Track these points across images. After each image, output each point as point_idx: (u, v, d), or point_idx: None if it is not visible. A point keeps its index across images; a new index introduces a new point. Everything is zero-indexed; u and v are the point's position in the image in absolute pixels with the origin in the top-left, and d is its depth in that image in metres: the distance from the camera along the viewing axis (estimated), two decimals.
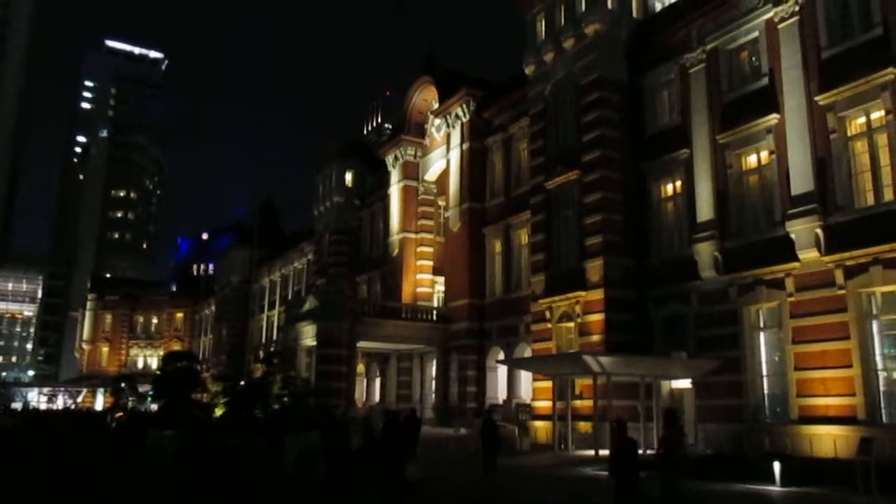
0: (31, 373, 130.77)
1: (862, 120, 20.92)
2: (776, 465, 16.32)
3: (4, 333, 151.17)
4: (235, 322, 73.69)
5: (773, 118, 22.87)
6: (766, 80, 23.48)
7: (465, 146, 39.07)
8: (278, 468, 15.23)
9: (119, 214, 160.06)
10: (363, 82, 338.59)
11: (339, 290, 38.69)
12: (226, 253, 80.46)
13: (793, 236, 21.42)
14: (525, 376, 32.60)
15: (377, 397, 45.79)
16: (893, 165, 19.74)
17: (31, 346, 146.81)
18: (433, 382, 39.88)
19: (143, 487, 15.57)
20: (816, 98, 21.49)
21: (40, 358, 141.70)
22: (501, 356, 34.59)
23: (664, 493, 11.04)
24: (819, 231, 20.85)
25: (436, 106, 42.70)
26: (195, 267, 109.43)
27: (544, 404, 28.29)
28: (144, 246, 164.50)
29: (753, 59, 24.58)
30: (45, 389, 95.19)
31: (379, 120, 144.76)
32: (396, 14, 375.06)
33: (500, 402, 34.31)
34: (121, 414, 40.66)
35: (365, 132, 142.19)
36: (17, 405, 74.22)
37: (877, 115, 20.38)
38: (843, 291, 20.26)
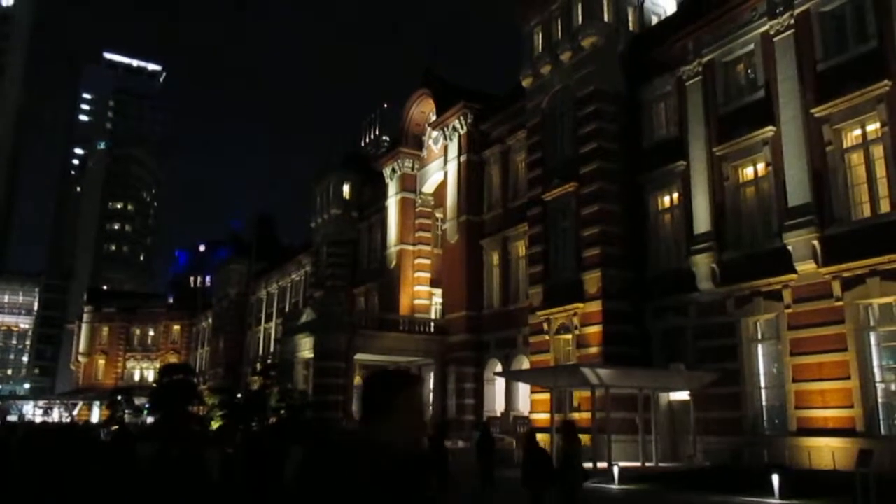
0: (27, 385, 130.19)
1: (858, 132, 21.02)
2: (775, 478, 16.29)
3: (0, 346, 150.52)
4: (233, 334, 73.48)
5: (769, 130, 22.96)
6: (762, 93, 23.60)
7: (463, 158, 39.13)
8: (279, 478, 15.06)
9: (116, 227, 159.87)
10: (361, 95, 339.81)
11: (336, 303, 38.57)
12: (223, 265, 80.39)
13: (790, 248, 21.45)
14: (523, 388, 32.49)
15: None
16: (889, 177, 19.82)
17: (27, 358, 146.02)
18: (431, 395, 39.75)
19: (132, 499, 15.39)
20: (812, 110, 21.60)
21: (36, 371, 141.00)
22: (499, 368, 34.49)
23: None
24: (816, 243, 20.88)
25: (434, 118, 42.78)
26: (192, 279, 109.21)
27: (542, 416, 28.17)
28: (142, 258, 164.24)
29: (749, 71, 24.70)
30: (41, 402, 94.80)
31: (377, 132, 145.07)
32: (396, 24, 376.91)
33: (499, 414, 34.18)
34: (116, 427, 40.45)
35: (363, 144, 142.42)
36: (13, 418, 73.84)
37: (872, 126, 20.49)
38: (840, 303, 20.28)
